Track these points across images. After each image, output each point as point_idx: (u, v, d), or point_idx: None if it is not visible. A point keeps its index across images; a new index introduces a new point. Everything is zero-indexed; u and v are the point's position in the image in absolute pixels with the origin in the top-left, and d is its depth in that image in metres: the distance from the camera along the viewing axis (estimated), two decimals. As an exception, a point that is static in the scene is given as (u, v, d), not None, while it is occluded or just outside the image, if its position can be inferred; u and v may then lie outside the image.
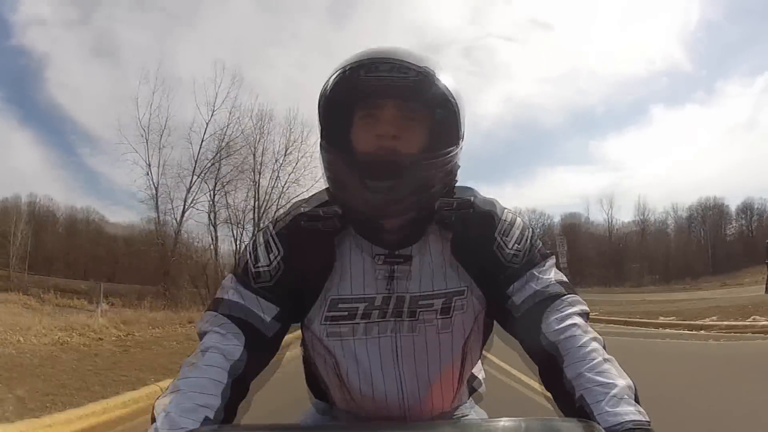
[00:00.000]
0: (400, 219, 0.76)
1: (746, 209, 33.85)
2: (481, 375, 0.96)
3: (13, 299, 17.60)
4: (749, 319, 8.28)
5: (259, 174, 19.82)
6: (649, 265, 34.68)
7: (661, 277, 31.58)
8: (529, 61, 51.76)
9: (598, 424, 0.58)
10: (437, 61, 0.74)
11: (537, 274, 0.76)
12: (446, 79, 0.73)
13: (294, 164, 19.90)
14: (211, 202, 19.41)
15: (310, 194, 0.85)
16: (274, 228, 0.80)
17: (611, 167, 50.60)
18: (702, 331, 8.17)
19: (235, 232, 19.38)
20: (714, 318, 8.34)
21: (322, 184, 0.83)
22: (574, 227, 37.48)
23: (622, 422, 0.58)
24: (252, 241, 0.81)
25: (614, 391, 0.61)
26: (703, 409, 3.42)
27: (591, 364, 0.65)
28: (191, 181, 18.95)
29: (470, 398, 0.94)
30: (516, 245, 0.78)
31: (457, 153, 0.76)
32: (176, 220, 18.97)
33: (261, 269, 0.77)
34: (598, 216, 38.08)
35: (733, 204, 34.48)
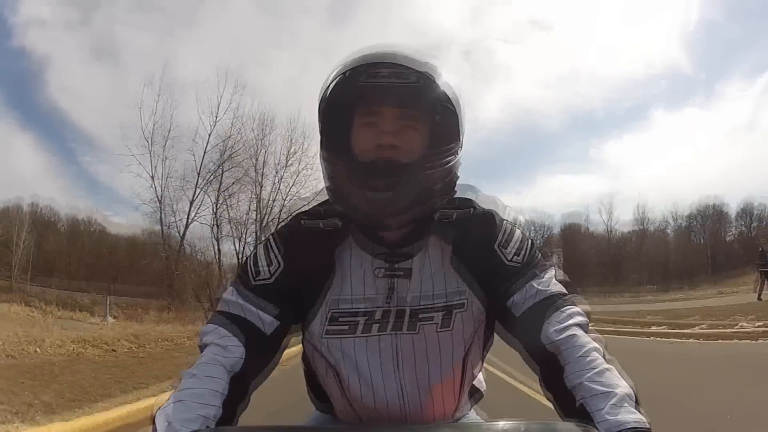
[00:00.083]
0: (400, 227, 0.76)
1: (746, 212, 33.93)
2: (481, 378, 0.96)
3: (16, 310, 17.58)
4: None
5: (261, 186, 19.91)
6: (649, 270, 34.61)
7: (660, 284, 31.41)
8: (529, 63, 51.88)
9: (598, 426, 0.58)
10: (439, 63, 0.73)
11: (536, 286, 0.76)
12: (447, 81, 0.72)
13: (295, 176, 19.95)
14: (213, 215, 19.55)
15: (311, 207, 0.84)
16: (274, 237, 0.81)
17: (611, 171, 50.42)
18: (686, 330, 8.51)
19: (237, 245, 19.43)
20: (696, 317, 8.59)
21: (322, 197, 0.82)
22: (573, 233, 37.47)
23: (622, 425, 0.58)
24: (252, 253, 0.81)
25: (615, 396, 0.61)
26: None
27: (592, 367, 0.65)
28: (194, 194, 19.04)
29: (470, 401, 0.93)
30: (515, 256, 0.78)
31: (457, 159, 0.76)
32: (179, 233, 19.03)
33: (261, 280, 0.77)
34: (597, 221, 38.10)
35: (733, 206, 34.53)
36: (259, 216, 19.66)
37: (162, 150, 18.99)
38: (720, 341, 7.35)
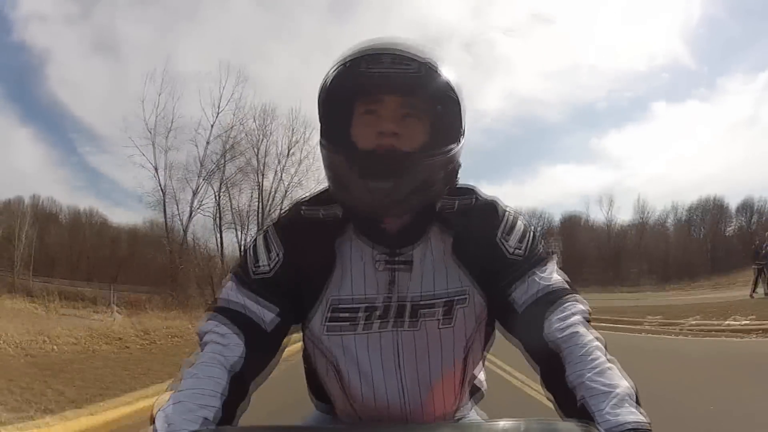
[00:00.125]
0: (401, 218, 0.76)
1: (746, 207, 34.01)
2: (482, 377, 0.95)
3: (19, 305, 17.65)
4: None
5: (262, 176, 19.96)
6: (648, 265, 34.71)
7: (659, 278, 31.53)
8: (531, 56, 51.83)
9: (599, 425, 0.58)
10: (440, 53, 0.72)
11: (539, 274, 0.75)
12: (449, 72, 0.71)
13: (297, 166, 20.07)
14: (216, 206, 19.55)
15: (311, 195, 0.84)
16: (274, 226, 0.80)
17: (612, 164, 50.54)
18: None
19: (239, 235, 19.53)
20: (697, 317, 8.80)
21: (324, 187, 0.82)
22: (573, 227, 37.51)
23: (623, 425, 0.58)
24: (252, 242, 0.80)
25: (616, 394, 0.61)
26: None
27: (593, 365, 0.64)
28: (197, 185, 19.10)
29: (471, 401, 0.93)
30: (518, 246, 0.77)
31: (458, 149, 0.74)
32: (182, 223, 19.06)
33: (261, 270, 0.76)
34: (598, 215, 38.04)
35: (733, 202, 34.62)
36: (261, 205, 19.76)
37: (165, 141, 19.03)
38: (708, 337, 7.56)
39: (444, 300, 0.77)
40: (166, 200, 18.78)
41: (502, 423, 0.56)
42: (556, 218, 38.49)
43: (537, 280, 0.75)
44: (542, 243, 0.79)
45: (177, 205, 18.96)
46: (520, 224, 0.79)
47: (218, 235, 19.53)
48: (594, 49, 56.21)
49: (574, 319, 0.71)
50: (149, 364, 6.24)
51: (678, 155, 49.12)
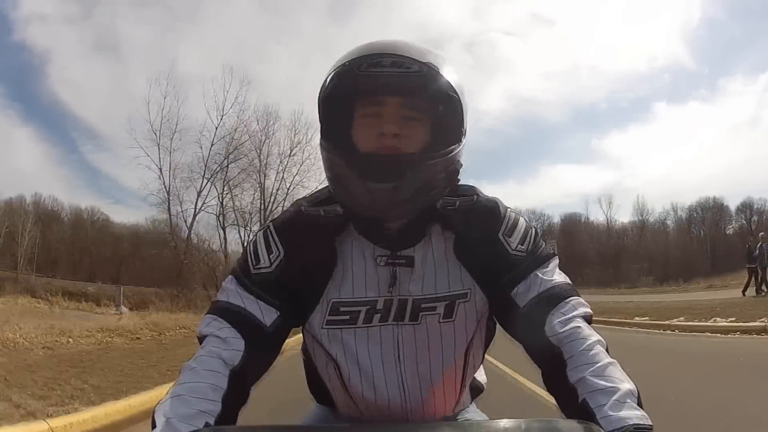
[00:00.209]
0: (402, 219, 0.75)
1: (746, 206, 34.16)
2: (482, 377, 0.95)
3: (23, 302, 17.75)
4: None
5: (265, 176, 20.18)
6: (649, 262, 34.80)
7: (657, 278, 31.49)
8: (531, 57, 51.77)
9: (600, 426, 0.58)
10: (441, 55, 0.72)
11: (541, 275, 0.75)
12: (450, 74, 0.71)
13: (299, 165, 20.25)
14: (219, 205, 19.72)
15: (311, 193, 0.84)
16: (274, 225, 0.79)
17: (612, 165, 50.66)
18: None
19: (242, 234, 19.72)
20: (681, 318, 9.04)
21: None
22: (573, 227, 37.64)
23: (625, 425, 0.57)
24: (252, 241, 0.79)
25: (617, 394, 0.61)
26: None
27: (594, 366, 0.64)
28: (201, 185, 19.29)
29: (471, 398, 0.93)
30: (519, 245, 0.77)
31: (460, 151, 0.74)
32: (186, 222, 19.24)
33: (261, 269, 0.75)
34: (598, 215, 38.15)
35: (733, 203, 34.75)
36: (263, 205, 19.92)
37: (170, 142, 19.31)
38: (694, 334, 7.80)
39: (445, 297, 0.77)
40: (171, 199, 19.08)
41: (503, 422, 0.56)
42: (556, 218, 38.75)
43: (539, 279, 0.74)
44: (544, 243, 0.79)
45: (181, 205, 19.22)
46: (521, 224, 0.79)
47: (222, 234, 19.71)
48: (594, 50, 56.44)
49: (576, 318, 0.71)
50: (163, 353, 6.40)
51: (678, 156, 49.72)
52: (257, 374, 0.73)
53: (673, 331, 8.37)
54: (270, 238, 0.77)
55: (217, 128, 19.78)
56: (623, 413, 0.59)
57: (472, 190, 0.79)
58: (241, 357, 0.69)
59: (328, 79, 0.72)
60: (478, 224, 0.76)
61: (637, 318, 10.35)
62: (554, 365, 0.68)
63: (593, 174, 52.03)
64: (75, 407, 3.46)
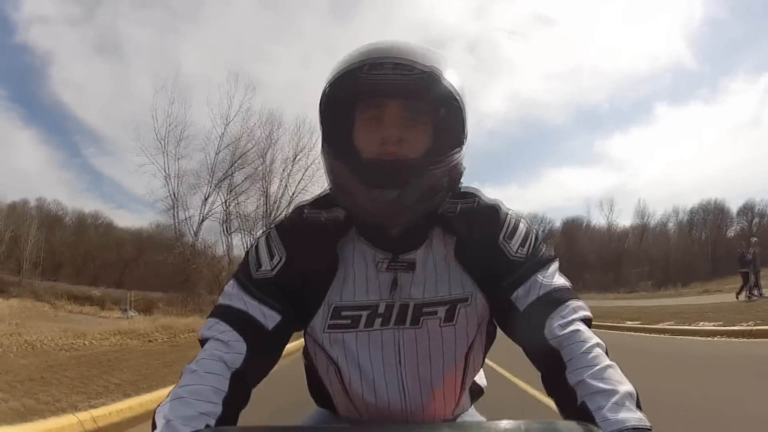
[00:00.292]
0: (404, 223, 0.75)
1: (747, 208, 34.22)
2: (482, 380, 0.95)
3: (27, 305, 17.88)
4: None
5: (269, 182, 20.38)
6: (650, 265, 34.76)
7: (657, 282, 31.55)
8: (533, 57, 52.00)
9: (599, 427, 0.58)
10: (443, 57, 0.71)
11: (541, 278, 0.75)
12: (451, 76, 0.70)
13: (303, 171, 20.38)
14: (224, 212, 19.91)
15: (313, 198, 0.83)
16: (276, 229, 0.79)
17: (614, 167, 50.64)
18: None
19: (245, 240, 19.92)
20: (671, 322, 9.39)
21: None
22: (575, 231, 37.76)
23: (623, 427, 0.58)
24: (254, 245, 0.79)
25: (616, 397, 0.61)
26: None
27: (593, 369, 0.64)
28: (207, 191, 19.50)
29: (471, 400, 0.93)
30: (520, 249, 0.77)
31: (462, 154, 0.74)
32: (191, 228, 19.39)
33: (263, 272, 0.75)
34: (599, 218, 38.28)
35: (734, 204, 34.98)
36: (266, 210, 20.12)
37: (176, 149, 19.52)
38: (683, 337, 8.08)
39: (446, 301, 0.77)
40: (177, 205, 19.28)
41: (503, 423, 0.55)
42: (558, 223, 38.91)
43: (538, 283, 0.74)
44: (544, 246, 0.79)
45: (185, 211, 19.40)
46: (522, 227, 0.79)
47: (226, 240, 19.92)
48: (596, 50, 56.42)
49: (575, 321, 0.71)
50: (177, 354, 6.55)
51: (680, 158, 49.44)
52: (258, 376, 0.73)
53: (662, 334, 8.62)
54: (272, 241, 0.77)
55: (221, 136, 20.07)
56: (622, 415, 0.59)
57: (473, 195, 0.80)
58: (242, 357, 0.69)
59: (329, 83, 0.71)
60: (479, 228, 0.76)
61: (628, 322, 10.58)
62: (553, 367, 0.68)
63: (595, 176, 52.07)
64: (102, 402, 3.67)
